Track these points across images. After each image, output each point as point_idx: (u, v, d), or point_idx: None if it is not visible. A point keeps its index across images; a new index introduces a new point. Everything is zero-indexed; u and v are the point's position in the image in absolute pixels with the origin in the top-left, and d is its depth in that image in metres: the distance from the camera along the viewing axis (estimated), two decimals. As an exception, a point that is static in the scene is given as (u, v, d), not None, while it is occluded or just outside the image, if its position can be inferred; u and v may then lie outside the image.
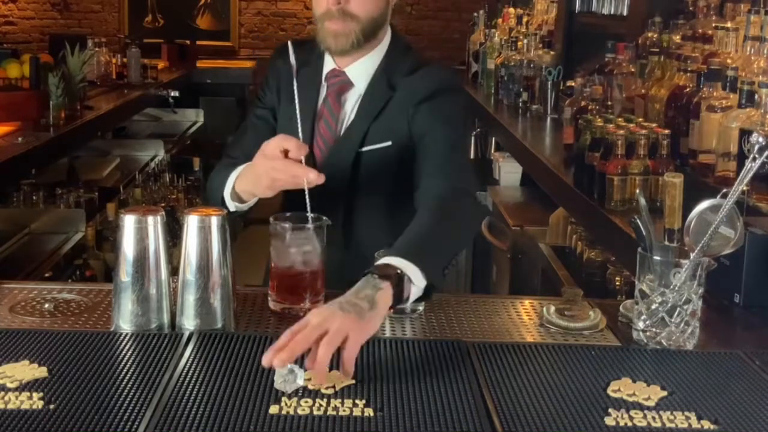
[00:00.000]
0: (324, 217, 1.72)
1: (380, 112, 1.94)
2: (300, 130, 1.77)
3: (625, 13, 3.83)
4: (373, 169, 1.95)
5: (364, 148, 1.93)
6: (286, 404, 1.27)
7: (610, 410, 1.30)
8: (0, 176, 3.06)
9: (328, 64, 1.99)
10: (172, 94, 5.77)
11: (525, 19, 5.09)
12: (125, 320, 1.55)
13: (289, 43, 1.83)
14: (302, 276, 1.69)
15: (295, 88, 1.79)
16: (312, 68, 2.01)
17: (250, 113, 2.14)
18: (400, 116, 1.93)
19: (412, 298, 1.51)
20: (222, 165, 1.95)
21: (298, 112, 1.77)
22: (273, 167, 1.68)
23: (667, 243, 1.79)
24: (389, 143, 1.93)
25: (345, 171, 1.94)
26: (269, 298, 1.72)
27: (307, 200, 1.70)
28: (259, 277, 2.19)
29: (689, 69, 2.46)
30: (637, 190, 2.20)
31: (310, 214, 1.71)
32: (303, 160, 1.67)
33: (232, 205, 1.88)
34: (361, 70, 1.96)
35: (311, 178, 1.63)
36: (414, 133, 1.92)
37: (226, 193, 1.87)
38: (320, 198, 1.73)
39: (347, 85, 1.97)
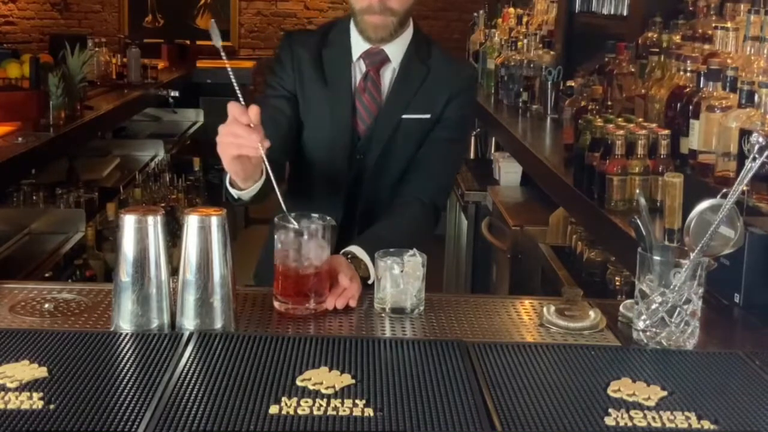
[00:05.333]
0: (328, 218, 1.73)
1: (420, 85, 2.14)
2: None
3: (625, 13, 3.82)
4: (408, 138, 2.14)
5: (405, 116, 2.13)
6: (286, 404, 1.27)
7: (610, 410, 1.30)
8: (0, 176, 3.06)
9: (359, 45, 2.13)
10: (172, 94, 5.76)
11: (525, 19, 5.08)
12: (125, 320, 1.55)
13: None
14: (307, 276, 1.69)
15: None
16: (337, 51, 2.12)
17: (262, 101, 2.11)
18: (440, 96, 2.14)
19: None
20: None
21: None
22: (222, 132, 1.73)
23: (667, 243, 1.79)
24: (428, 116, 2.14)
25: (385, 137, 2.13)
26: (274, 298, 1.72)
27: (268, 170, 1.73)
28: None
29: (689, 69, 2.46)
30: (637, 190, 2.20)
31: (314, 215, 1.74)
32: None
33: (234, 192, 1.89)
34: (397, 48, 2.14)
35: (265, 144, 1.69)
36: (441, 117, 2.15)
37: (227, 180, 1.88)
38: (359, 163, 2.11)
39: (385, 60, 2.14)
